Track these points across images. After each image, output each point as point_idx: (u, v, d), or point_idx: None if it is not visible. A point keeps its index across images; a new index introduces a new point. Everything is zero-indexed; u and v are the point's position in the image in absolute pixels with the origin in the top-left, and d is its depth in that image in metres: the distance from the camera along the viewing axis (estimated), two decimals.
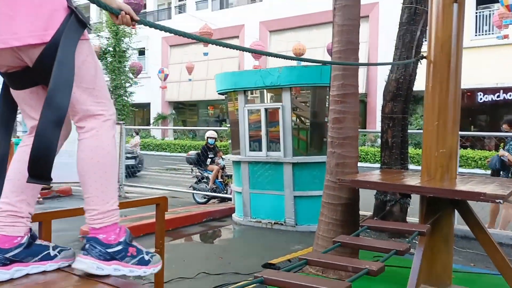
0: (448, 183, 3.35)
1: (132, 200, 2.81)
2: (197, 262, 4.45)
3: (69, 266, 1.33)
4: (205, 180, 8.85)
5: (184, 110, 29.99)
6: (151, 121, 28.56)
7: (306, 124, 6.56)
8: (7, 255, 1.20)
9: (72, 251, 1.39)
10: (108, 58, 20.49)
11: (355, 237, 3.12)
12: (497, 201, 2.90)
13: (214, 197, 8.54)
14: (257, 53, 3.38)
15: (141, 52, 30.16)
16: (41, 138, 1.12)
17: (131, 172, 11.55)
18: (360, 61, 4.37)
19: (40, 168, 1.13)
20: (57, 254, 1.32)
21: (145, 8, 31.66)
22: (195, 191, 8.81)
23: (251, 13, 24.59)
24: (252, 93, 6.58)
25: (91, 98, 1.25)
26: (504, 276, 3.36)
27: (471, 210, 3.52)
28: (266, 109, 6.26)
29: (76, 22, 1.18)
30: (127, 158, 10.83)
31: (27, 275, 1.24)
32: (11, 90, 1.26)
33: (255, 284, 1.74)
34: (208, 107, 27.07)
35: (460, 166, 12.95)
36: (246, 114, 6.35)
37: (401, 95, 5.57)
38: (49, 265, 1.29)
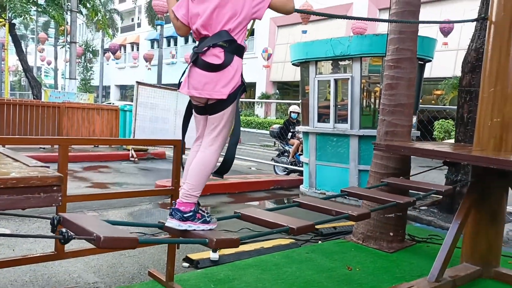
0: (499, 156, 3.05)
1: (151, 139, 3.08)
2: None
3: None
4: (286, 154, 9.02)
5: (288, 91, 30.29)
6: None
7: (375, 96, 6.31)
8: (185, 216, 2.02)
9: (215, 219, 2.12)
10: None
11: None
12: None
13: (294, 171, 8.65)
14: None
15: (251, 33, 31.05)
16: (230, 153, 2.04)
17: None
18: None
19: (225, 169, 2.06)
20: (210, 220, 2.07)
21: None
22: (276, 164, 9.03)
23: None
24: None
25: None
26: None
27: None
28: (335, 80, 6.16)
29: (242, 90, 2.11)
30: None
31: (194, 230, 2.02)
32: (194, 113, 2.22)
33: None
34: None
35: None
36: (316, 84, 6.32)
37: (480, 67, 5.04)
38: (205, 227, 2.04)
